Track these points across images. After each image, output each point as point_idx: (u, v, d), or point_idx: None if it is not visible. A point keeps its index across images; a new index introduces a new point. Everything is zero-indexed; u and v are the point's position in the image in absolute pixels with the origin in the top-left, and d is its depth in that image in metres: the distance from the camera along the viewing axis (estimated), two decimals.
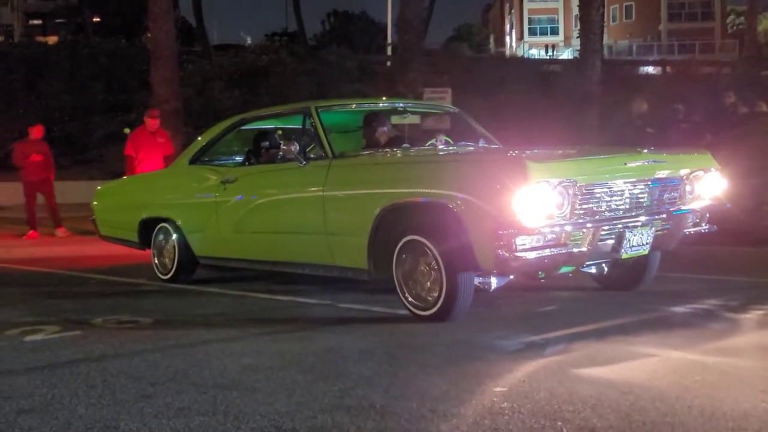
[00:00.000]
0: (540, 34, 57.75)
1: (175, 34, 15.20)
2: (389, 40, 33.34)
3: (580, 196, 4.42)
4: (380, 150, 5.65)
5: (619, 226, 4.63)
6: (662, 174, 4.88)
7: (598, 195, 4.55)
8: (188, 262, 6.69)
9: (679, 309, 5.06)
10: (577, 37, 17.25)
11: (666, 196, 4.95)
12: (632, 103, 10.91)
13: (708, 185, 5.20)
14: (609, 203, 4.63)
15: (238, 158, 6.93)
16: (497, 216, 4.24)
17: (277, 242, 5.84)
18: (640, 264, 5.34)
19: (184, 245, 6.63)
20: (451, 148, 5.92)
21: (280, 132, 6.40)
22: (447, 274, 4.56)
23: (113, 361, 4.02)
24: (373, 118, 5.93)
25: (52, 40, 33.80)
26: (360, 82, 21.95)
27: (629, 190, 4.71)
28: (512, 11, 61.45)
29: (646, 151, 4.95)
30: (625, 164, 4.75)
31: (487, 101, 19.82)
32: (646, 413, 2.95)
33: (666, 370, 3.60)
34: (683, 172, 5.05)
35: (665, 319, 4.81)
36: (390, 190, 4.91)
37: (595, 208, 4.54)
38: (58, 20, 47.26)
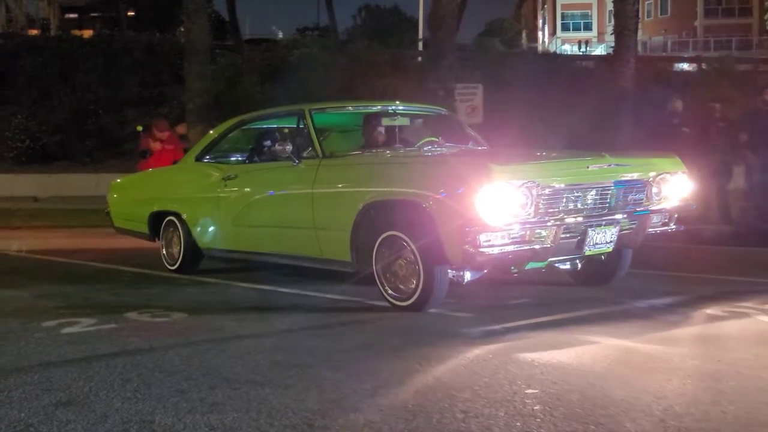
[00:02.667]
0: (573, 30, 57.18)
1: (209, 29, 15.32)
2: (421, 36, 33.25)
3: (543, 197, 4.70)
4: (368, 150, 6.04)
5: (583, 225, 4.91)
6: (626, 176, 5.17)
7: (561, 195, 4.83)
8: (193, 254, 7.08)
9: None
10: (611, 33, 17.07)
11: (630, 197, 5.23)
12: (667, 100, 10.78)
13: (675, 187, 5.49)
14: (573, 203, 4.91)
15: (241, 156, 7.31)
16: (463, 214, 4.57)
17: (272, 235, 6.22)
18: (612, 261, 5.63)
19: (189, 238, 7.03)
20: (436, 149, 6.16)
21: (286, 131, 6.62)
22: (424, 267, 4.89)
23: (148, 355, 4.08)
24: (371, 119, 6.31)
25: (88, 33, 34.19)
26: (391, 77, 21.85)
27: (592, 191, 4.99)
28: (545, 6, 60.95)
29: (609, 155, 5.16)
30: (588, 167, 5.02)
31: (519, 97, 19.69)
32: (680, 419, 2.93)
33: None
34: (649, 174, 5.33)
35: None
36: (371, 189, 5.26)
37: (558, 208, 4.82)
38: (93, 14, 47.83)
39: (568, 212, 4.88)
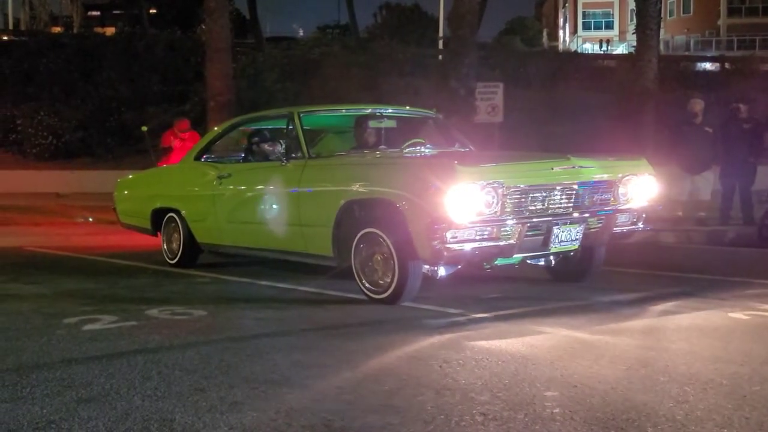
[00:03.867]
0: (594, 29, 56.86)
1: (230, 27, 15.36)
2: (441, 34, 33.15)
3: (508, 196, 4.99)
4: (350, 152, 6.41)
5: (547, 223, 5.18)
6: (590, 177, 5.42)
7: (526, 195, 5.11)
8: (192, 249, 7.43)
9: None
10: (633, 32, 16.93)
11: (596, 197, 5.49)
12: (689, 100, 10.69)
13: (641, 188, 5.72)
14: (538, 203, 5.18)
15: (237, 156, 7.65)
16: (432, 213, 4.87)
17: (262, 232, 6.54)
18: (585, 258, 5.96)
19: (188, 233, 7.36)
20: (417, 151, 6.45)
21: (284, 131, 6.80)
22: (398, 263, 5.19)
23: (168, 353, 4.10)
24: (362, 121, 6.61)
25: (110, 31, 34.45)
26: (411, 76, 21.84)
27: (557, 191, 5.25)
28: (566, 5, 60.63)
29: (575, 157, 5.41)
30: (552, 168, 5.30)
31: (540, 96, 19.64)
32: (702, 424, 2.90)
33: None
34: (614, 176, 5.59)
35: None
36: (350, 188, 5.59)
37: (523, 207, 5.10)
38: (115, 12, 48.17)
39: (534, 211, 5.15)
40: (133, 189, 8.62)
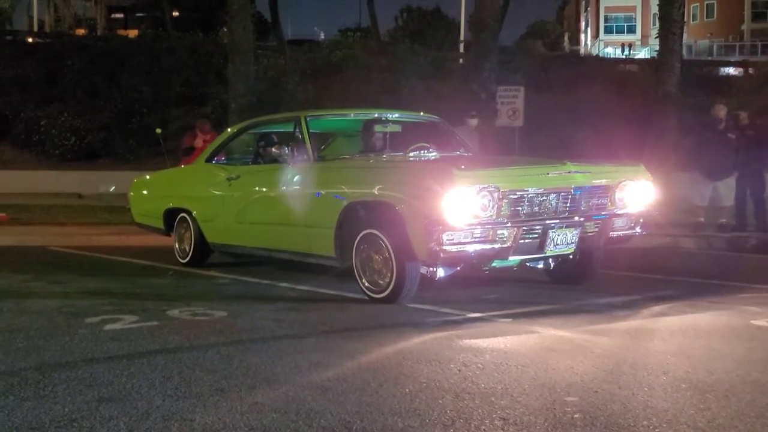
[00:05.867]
0: (616, 33, 56.45)
1: (252, 30, 15.43)
2: (462, 38, 33.12)
3: (504, 200, 5.12)
4: (354, 155, 6.62)
5: (543, 227, 5.29)
6: (586, 183, 5.53)
7: (522, 199, 5.23)
8: (202, 249, 7.59)
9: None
10: (656, 37, 16.79)
11: (592, 202, 5.59)
12: (713, 106, 10.60)
13: (638, 194, 5.81)
14: (533, 207, 5.28)
15: (246, 158, 7.81)
16: (429, 215, 5.01)
17: (268, 232, 6.75)
18: (584, 261, 6.04)
19: (199, 233, 7.52)
20: (420, 154, 6.54)
21: (298, 134, 6.85)
22: (396, 263, 5.33)
23: (188, 353, 4.12)
24: (369, 125, 6.78)
25: (133, 33, 34.70)
26: (433, 79, 21.79)
27: (552, 195, 5.36)
28: (588, 8, 60.31)
29: (571, 162, 5.50)
30: (548, 173, 5.42)
31: (561, 100, 19.53)
32: (724, 431, 2.87)
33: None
34: (611, 181, 5.69)
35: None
36: (352, 191, 5.79)
37: (519, 211, 5.22)
38: (138, 14, 48.55)
39: (529, 215, 5.26)
40: (148, 189, 8.77)
